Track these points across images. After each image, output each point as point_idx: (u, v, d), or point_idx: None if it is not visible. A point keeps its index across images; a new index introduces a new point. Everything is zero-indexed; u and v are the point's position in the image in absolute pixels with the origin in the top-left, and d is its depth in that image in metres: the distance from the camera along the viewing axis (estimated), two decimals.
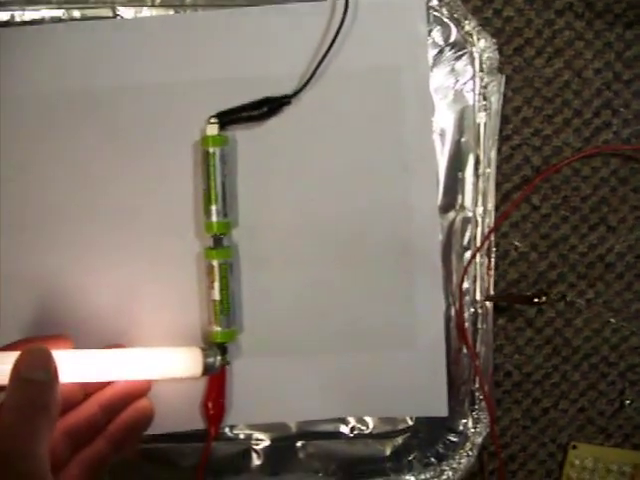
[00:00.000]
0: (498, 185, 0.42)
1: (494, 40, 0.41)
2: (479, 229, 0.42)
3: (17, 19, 0.40)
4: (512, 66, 0.42)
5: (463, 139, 0.41)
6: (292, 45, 0.40)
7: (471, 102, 0.41)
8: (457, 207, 0.41)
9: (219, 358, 0.39)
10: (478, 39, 0.41)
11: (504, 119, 0.42)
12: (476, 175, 0.41)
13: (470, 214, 0.41)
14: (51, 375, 0.32)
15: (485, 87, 0.41)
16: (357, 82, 0.40)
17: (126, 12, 0.41)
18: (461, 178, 0.41)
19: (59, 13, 0.41)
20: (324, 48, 0.40)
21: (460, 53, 0.41)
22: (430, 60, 0.41)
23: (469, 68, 0.41)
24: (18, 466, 0.30)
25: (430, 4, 0.41)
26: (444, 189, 0.41)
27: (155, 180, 0.40)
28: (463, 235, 0.41)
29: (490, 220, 0.42)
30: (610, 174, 0.43)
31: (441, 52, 0.41)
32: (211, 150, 0.39)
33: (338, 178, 0.41)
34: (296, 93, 0.40)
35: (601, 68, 0.43)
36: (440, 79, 0.41)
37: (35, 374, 0.32)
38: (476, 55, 0.41)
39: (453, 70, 0.41)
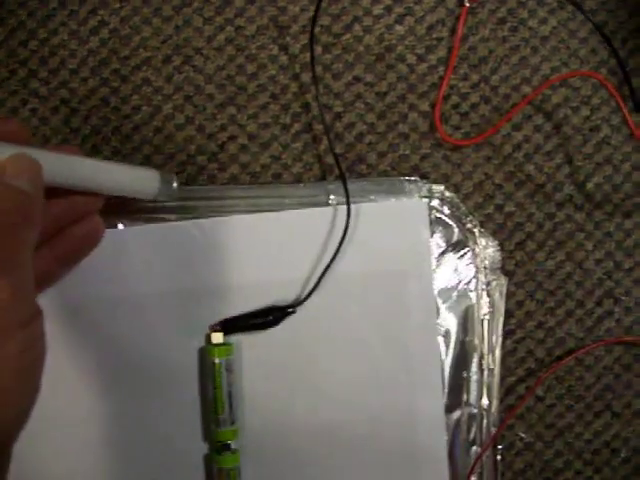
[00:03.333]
0: (502, 379, 0.42)
1: (495, 239, 0.42)
2: (484, 423, 0.42)
3: None
4: (514, 261, 0.43)
5: (467, 338, 0.41)
6: (294, 251, 0.41)
7: (474, 301, 0.41)
8: (462, 405, 0.41)
9: (175, 184, 0.39)
10: (480, 237, 0.42)
11: (507, 314, 0.42)
12: (480, 371, 0.42)
13: (475, 410, 0.42)
14: (37, 189, 0.30)
15: (488, 285, 0.42)
16: (360, 287, 0.41)
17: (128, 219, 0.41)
18: (466, 377, 0.41)
19: None
20: (327, 253, 0.40)
21: (462, 252, 0.42)
22: (433, 262, 0.41)
23: (471, 267, 0.42)
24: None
25: (431, 204, 0.41)
26: (449, 388, 0.41)
27: (160, 387, 0.41)
28: (469, 431, 0.42)
29: (495, 414, 0.42)
30: (613, 362, 0.43)
31: (444, 253, 0.41)
32: (217, 360, 0.40)
33: (342, 382, 0.41)
34: (301, 302, 0.40)
35: (602, 258, 0.43)
36: (443, 280, 0.41)
37: (20, 182, 0.30)
38: (478, 254, 0.42)
39: (456, 270, 0.42)
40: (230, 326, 0.41)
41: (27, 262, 0.30)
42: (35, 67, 0.42)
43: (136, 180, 0.37)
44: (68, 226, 0.36)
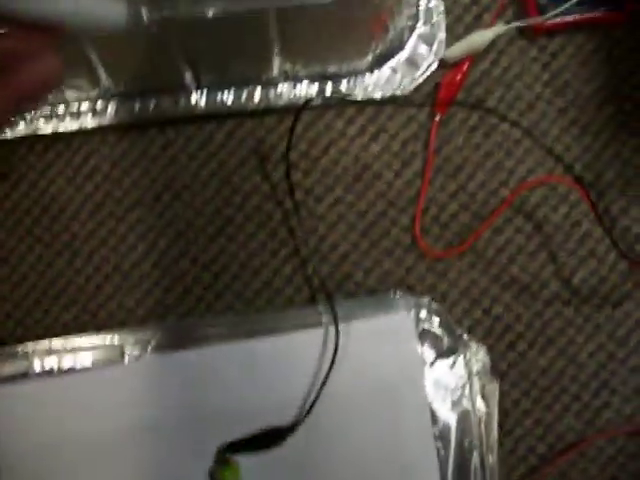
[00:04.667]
0: (506, 477, 0.43)
1: (485, 344, 0.43)
2: None
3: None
4: (507, 362, 0.44)
5: (466, 440, 0.42)
6: (291, 373, 0.43)
7: (469, 405, 0.43)
8: None
9: (146, 14, 0.36)
10: (469, 343, 0.43)
11: (504, 413, 0.43)
12: (482, 471, 0.43)
13: None
14: None
15: (482, 388, 0.43)
16: (356, 403, 0.42)
17: (133, 351, 0.44)
18: (468, 478, 0.43)
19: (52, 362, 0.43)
20: (322, 372, 0.42)
21: (453, 359, 0.43)
22: (426, 371, 0.42)
23: (464, 373, 0.43)
24: None
25: (419, 316, 0.43)
26: None
27: None
28: None
29: None
30: (617, 452, 0.44)
31: (435, 361, 0.43)
32: None
33: None
34: (300, 421, 0.42)
35: (594, 351, 0.44)
36: (437, 388, 0.43)
37: None
38: (469, 359, 0.43)
39: (449, 377, 0.43)
40: (236, 448, 0.43)
41: None
42: (38, 215, 0.45)
43: (99, 5, 0.33)
44: (24, 62, 0.33)
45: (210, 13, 0.38)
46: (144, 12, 0.36)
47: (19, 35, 0.32)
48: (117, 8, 0.32)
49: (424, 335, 0.43)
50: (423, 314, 0.43)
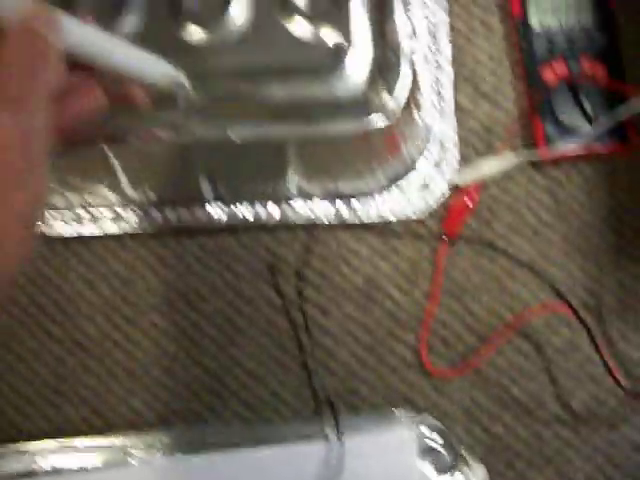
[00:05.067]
0: None
1: (484, 462, 0.44)
2: None
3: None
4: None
5: None
6: None
7: None
8: None
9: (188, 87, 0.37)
10: (470, 461, 0.44)
11: None
12: None
13: None
14: (57, 38, 0.30)
15: None
16: None
17: (140, 454, 0.44)
18: None
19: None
20: None
21: (454, 477, 0.44)
22: None
23: None
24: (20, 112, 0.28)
25: (421, 432, 0.44)
26: None
27: None
28: None
29: None
30: None
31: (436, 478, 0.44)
32: None
33: None
34: None
35: (591, 472, 0.45)
36: None
37: (40, 26, 0.29)
38: (470, 477, 0.44)
39: None
40: None
41: (41, 107, 0.29)
42: (52, 313, 0.46)
43: (148, 61, 0.36)
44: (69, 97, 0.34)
45: (238, 140, 0.40)
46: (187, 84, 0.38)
47: (77, 74, 0.33)
48: (166, 71, 0.37)
49: (425, 452, 0.44)
50: (425, 431, 0.44)
